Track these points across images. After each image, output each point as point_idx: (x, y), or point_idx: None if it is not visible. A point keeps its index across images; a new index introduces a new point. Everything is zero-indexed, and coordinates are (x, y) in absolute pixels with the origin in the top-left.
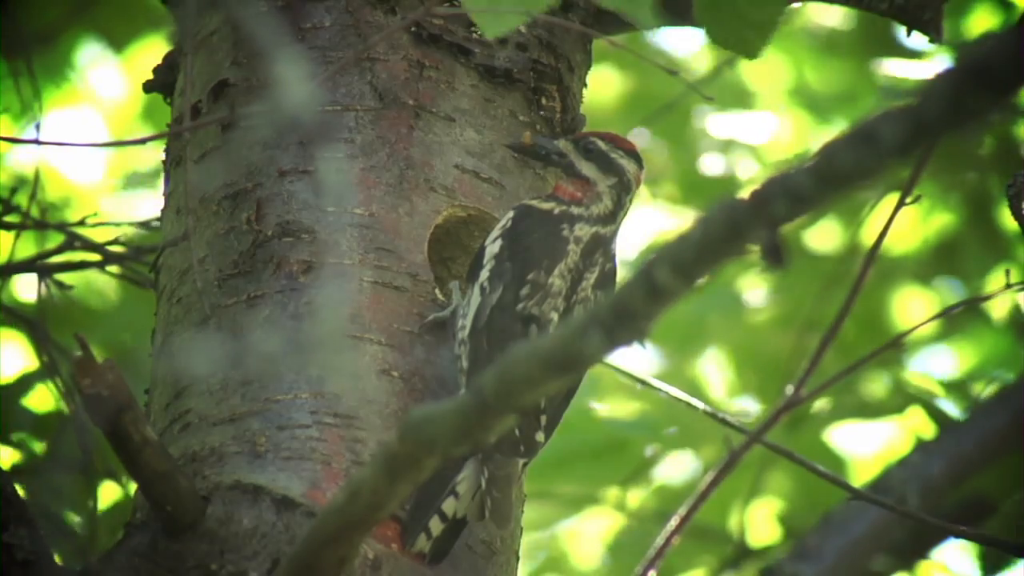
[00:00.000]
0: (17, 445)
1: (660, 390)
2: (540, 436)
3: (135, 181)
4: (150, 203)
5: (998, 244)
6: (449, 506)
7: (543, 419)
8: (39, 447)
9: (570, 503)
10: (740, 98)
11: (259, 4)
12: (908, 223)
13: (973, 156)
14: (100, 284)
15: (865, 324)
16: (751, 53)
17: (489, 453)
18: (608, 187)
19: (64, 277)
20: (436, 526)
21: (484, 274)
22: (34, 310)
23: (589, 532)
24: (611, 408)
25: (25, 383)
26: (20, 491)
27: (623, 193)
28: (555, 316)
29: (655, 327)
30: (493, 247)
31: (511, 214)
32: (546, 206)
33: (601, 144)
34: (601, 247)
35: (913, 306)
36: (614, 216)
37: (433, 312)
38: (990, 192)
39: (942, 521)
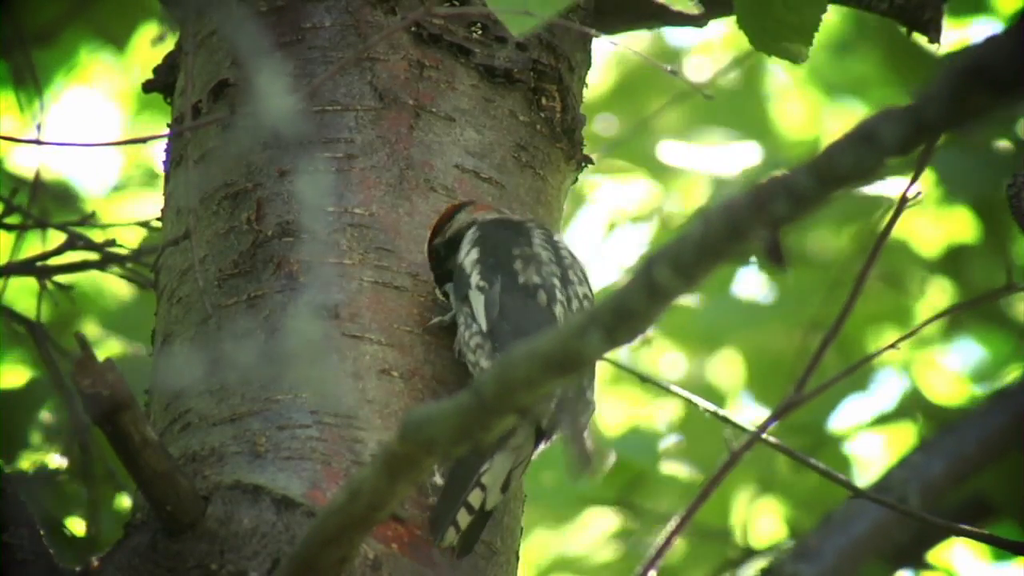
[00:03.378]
0: (29, 454)
1: (662, 387)
2: (591, 394)
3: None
4: (151, 203)
5: (1005, 246)
6: (476, 498)
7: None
8: (48, 455)
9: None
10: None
11: (256, 5)
12: (917, 226)
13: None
14: (102, 284)
15: (872, 323)
16: (796, 58)
17: (554, 420)
18: (470, 244)
19: (64, 278)
20: (464, 519)
21: (475, 279)
22: (34, 311)
23: (591, 532)
24: (616, 407)
25: (35, 395)
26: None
27: (475, 229)
28: (556, 282)
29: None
30: (471, 256)
31: (474, 228)
32: (498, 217)
33: (436, 242)
34: (554, 236)
35: (923, 306)
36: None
37: (435, 315)
38: (998, 195)
39: (943, 520)
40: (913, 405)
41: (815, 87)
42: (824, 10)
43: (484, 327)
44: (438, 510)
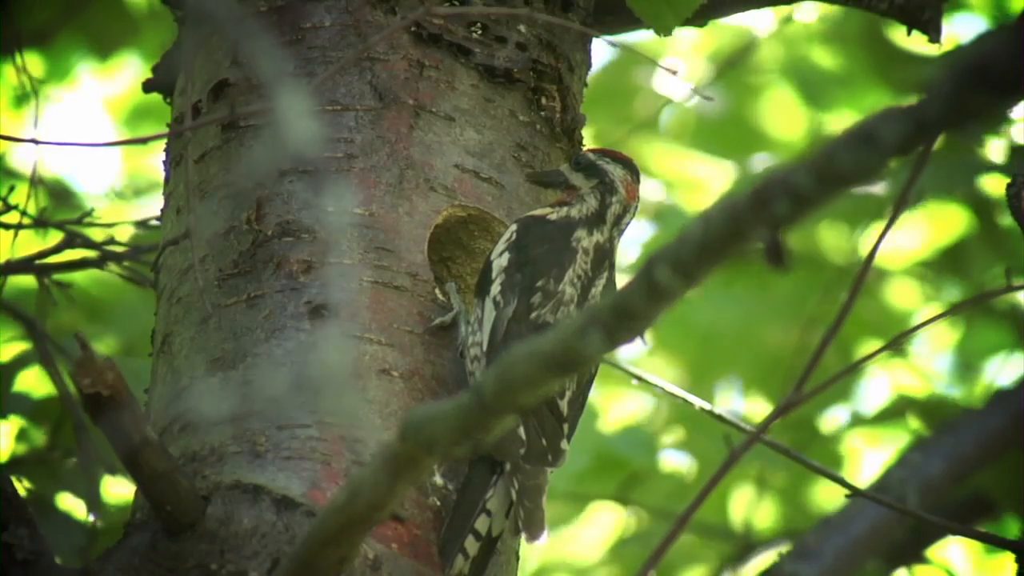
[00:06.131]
0: (17, 433)
1: (657, 387)
2: (565, 444)
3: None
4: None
5: (1003, 246)
6: (482, 524)
7: (566, 428)
8: (38, 433)
9: (572, 503)
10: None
11: (256, 4)
12: (914, 226)
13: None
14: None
15: (868, 323)
16: (663, 31)
17: (518, 465)
18: (590, 188)
19: (63, 276)
20: (472, 546)
21: (495, 288)
22: (34, 309)
23: (592, 532)
24: (612, 406)
25: (17, 364)
26: (21, 489)
27: (607, 194)
28: None
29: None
30: (501, 260)
31: (514, 227)
32: (545, 214)
33: (590, 156)
34: (607, 258)
35: (919, 307)
36: (601, 216)
37: (436, 315)
38: (994, 194)
39: (942, 519)
40: (904, 405)
41: (797, 88)
42: (700, 2)
43: (484, 345)
44: (445, 538)
